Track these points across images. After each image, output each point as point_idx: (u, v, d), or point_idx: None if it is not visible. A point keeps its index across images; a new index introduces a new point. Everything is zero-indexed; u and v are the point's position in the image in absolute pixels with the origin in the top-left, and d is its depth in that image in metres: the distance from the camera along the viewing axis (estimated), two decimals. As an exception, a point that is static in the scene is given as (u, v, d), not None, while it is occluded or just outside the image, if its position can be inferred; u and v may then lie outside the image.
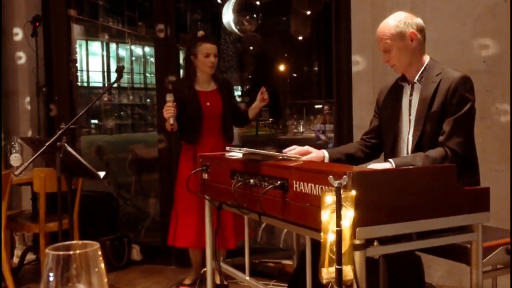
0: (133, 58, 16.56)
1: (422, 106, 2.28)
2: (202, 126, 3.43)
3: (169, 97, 3.29)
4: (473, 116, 2.27)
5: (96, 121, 13.57)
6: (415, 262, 2.29)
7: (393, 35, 2.27)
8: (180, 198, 3.45)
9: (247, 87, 11.50)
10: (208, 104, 3.46)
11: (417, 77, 2.33)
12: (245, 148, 2.18)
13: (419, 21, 2.33)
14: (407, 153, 2.33)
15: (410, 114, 2.35)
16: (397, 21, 2.29)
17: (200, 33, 3.49)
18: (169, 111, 3.26)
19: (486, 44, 3.31)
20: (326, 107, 8.48)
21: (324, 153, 2.39)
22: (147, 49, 16.05)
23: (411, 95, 2.37)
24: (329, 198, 1.57)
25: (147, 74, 16.70)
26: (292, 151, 2.30)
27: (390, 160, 2.15)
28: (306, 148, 2.35)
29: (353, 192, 1.59)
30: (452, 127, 2.19)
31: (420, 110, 2.29)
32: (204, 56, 3.41)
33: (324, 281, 1.61)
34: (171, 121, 3.25)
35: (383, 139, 2.49)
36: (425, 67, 2.33)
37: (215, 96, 3.50)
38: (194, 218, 3.40)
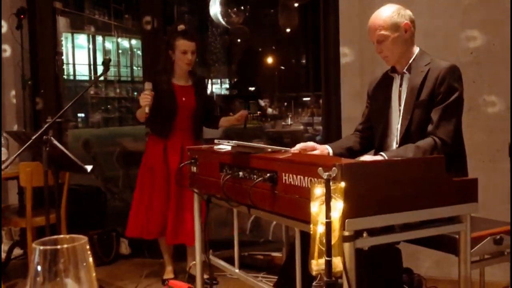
0: (120, 51, 16.43)
1: (410, 95, 2.30)
2: (175, 120, 3.43)
3: (148, 85, 3.28)
4: (461, 105, 2.28)
5: (83, 115, 13.48)
6: (393, 253, 2.31)
7: (389, 26, 2.28)
8: (147, 188, 3.48)
9: (235, 80, 11.47)
10: (183, 99, 3.45)
11: (406, 67, 2.34)
12: (234, 141, 2.17)
13: (410, 13, 2.36)
14: (396, 144, 2.34)
15: (400, 105, 2.36)
16: (391, 12, 2.31)
17: (180, 27, 3.43)
18: (146, 99, 3.24)
19: (474, 35, 3.32)
20: (310, 100, 8.47)
21: (328, 149, 2.39)
22: (133, 41, 15.95)
23: (400, 85, 2.37)
24: (319, 190, 1.57)
25: (134, 67, 16.61)
26: (297, 146, 2.29)
27: (382, 153, 2.15)
28: (312, 144, 2.34)
29: (343, 184, 1.59)
30: (440, 116, 2.20)
31: (408, 99, 2.30)
32: (181, 52, 3.37)
33: (314, 273, 1.61)
34: (147, 109, 3.23)
35: (373, 131, 2.49)
36: (414, 57, 2.35)
37: (190, 92, 3.49)
38: (163, 208, 3.43)
